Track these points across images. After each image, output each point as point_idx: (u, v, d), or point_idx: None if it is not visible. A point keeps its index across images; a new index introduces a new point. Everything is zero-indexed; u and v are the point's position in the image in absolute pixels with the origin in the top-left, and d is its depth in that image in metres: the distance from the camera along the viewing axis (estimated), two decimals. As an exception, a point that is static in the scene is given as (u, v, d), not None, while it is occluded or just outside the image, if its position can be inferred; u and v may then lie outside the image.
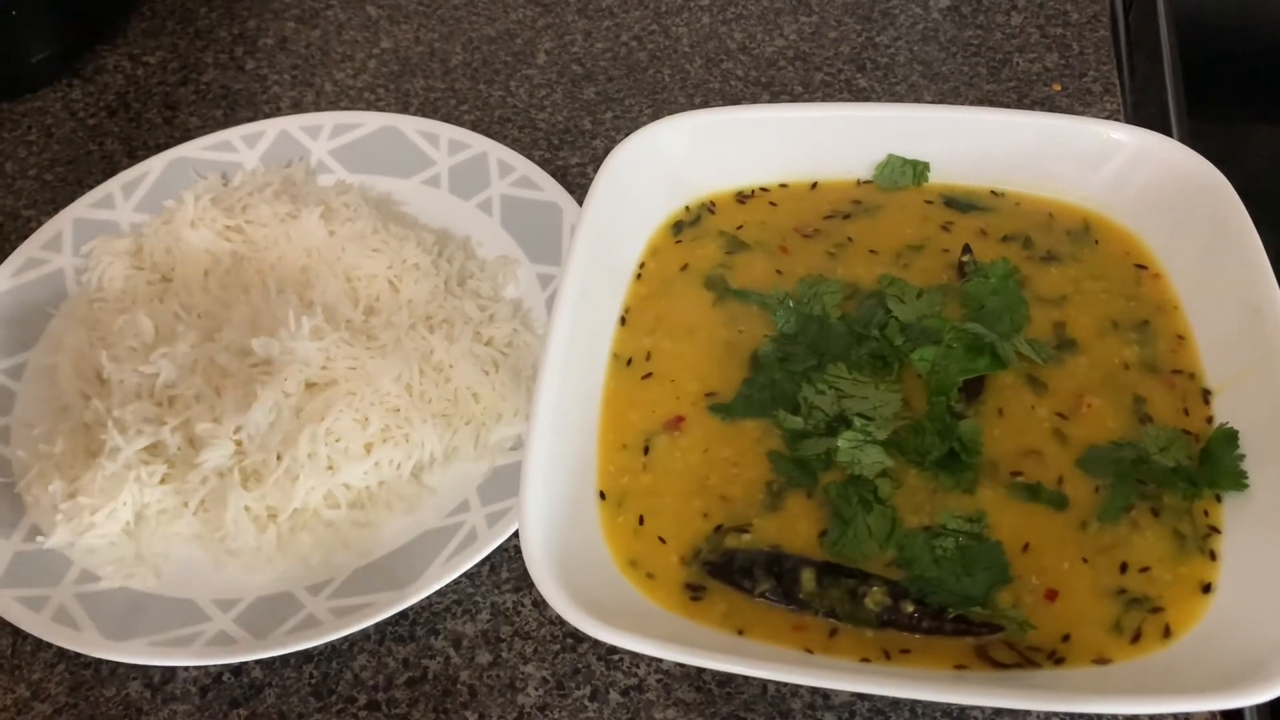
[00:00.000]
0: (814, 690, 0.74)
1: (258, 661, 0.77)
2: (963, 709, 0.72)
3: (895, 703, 0.73)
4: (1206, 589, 0.66)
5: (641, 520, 0.71)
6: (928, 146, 0.86)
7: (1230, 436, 0.70)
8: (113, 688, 0.77)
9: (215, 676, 0.77)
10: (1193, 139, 1.03)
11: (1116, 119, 1.06)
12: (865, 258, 0.82)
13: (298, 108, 1.16)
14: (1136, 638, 0.64)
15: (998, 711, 0.72)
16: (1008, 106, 1.08)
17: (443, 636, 0.78)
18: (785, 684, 0.74)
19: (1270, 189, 1.05)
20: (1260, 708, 0.75)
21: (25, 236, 1.00)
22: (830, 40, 1.17)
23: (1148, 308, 0.78)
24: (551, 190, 0.99)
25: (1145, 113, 1.12)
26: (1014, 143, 0.84)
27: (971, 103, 1.09)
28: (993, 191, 0.86)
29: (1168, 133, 0.97)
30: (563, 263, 0.77)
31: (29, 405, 0.90)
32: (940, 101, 1.09)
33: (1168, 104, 1.09)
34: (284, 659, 0.77)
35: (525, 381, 0.88)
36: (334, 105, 1.16)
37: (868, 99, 1.11)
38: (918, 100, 1.10)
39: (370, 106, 1.15)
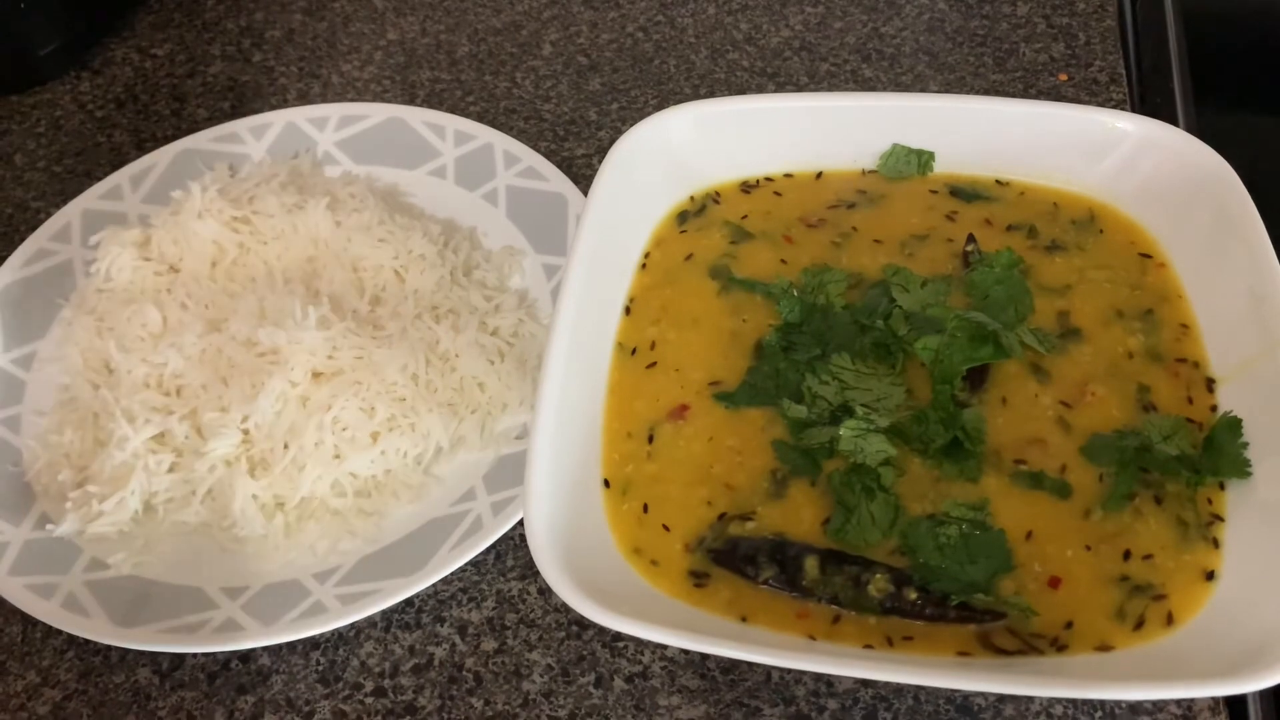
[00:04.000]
0: (817, 677, 0.74)
1: (265, 648, 0.78)
2: (966, 696, 0.73)
3: (899, 690, 0.73)
4: (1209, 576, 0.66)
5: (646, 508, 0.71)
6: (932, 136, 0.86)
7: (1234, 425, 0.70)
8: (122, 674, 0.78)
9: (223, 663, 0.78)
10: (1199, 129, 1.02)
11: (1123, 109, 1.06)
12: (870, 247, 0.83)
13: (304, 99, 1.17)
14: (1139, 625, 0.64)
15: (1001, 699, 0.72)
16: (1013, 96, 1.08)
17: (449, 624, 0.79)
18: (789, 671, 0.74)
19: (1278, 179, 1.05)
20: (1263, 694, 0.75)
21: (34, 228, 1.01)
22: (836, 30, 1.17)
23: (1152, 297, 0.78)
24: (557, 181, 0.99)
25: (1152, 103, 1.12)
26: (1019, 132, 0.84)
27: (978, 93, 1.09)
28: (998, 181, 0.86)
29: (1174, 123, 0.97)
30: (567, 252, 0.77)
31: (38, 395, 0.90)
32: (946, 92, 1.09)
33: (1174, 94, 1.08)
34: (291, 646, 0.78)
35: (531, 371, 0.88)
36: (340, 97, 1.17)
37: (873, 89, 1.11)
38: (924, 90, 1.10)
39: (376, 98, 1.16)
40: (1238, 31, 1.20)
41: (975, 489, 0.70)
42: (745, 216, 0.85)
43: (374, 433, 0.83)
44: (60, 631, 0.79)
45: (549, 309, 0.92)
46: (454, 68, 1.18)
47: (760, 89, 1.12)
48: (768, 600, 0.67)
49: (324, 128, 1.06)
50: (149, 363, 0.86)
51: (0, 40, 1.17)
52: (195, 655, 0.78)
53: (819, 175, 0.87)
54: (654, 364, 0.77)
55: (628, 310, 0.80)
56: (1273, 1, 1.23)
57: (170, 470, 0.82)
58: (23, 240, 0.99)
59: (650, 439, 0.74)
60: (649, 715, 0.73)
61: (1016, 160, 0.85)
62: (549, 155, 1.06)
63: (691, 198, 0.87)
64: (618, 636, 0.77)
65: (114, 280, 0.94)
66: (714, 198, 0.87)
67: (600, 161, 0.81)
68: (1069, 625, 0.65)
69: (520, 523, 0.79)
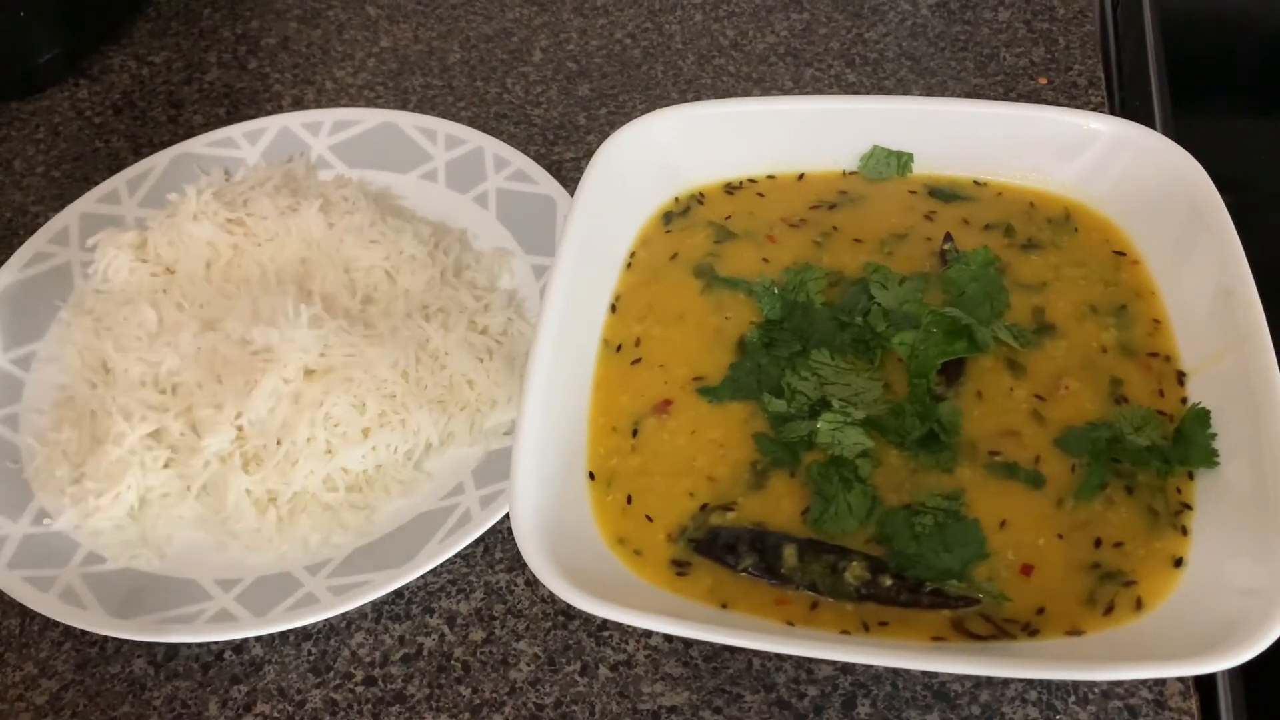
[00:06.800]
0: (798, 664, 0.75)
1: (258, 639, 0.79)
2: (943, 682, 0.74)
3: (877, 677, 0.75)
4: (1178, 563, 0.67)
5: (630, 499, 0.73)
6: (912, 138, 0.87)
7: (1203, 416, 0.71)
8: (118, 665, 0.79)
9: (217, 654, 0.79)
10: (1177, 131, 1.05)
11: (1102, 111, 1.08)
12: (850, 246, 0.84)
13: (299, 105, 1.19)
14: (1109, 610, 0.66)
15: (977, 685, 0.74)
16: (993, 99, 1.10)
17: (438, 614, 0.80)
18: (770, 659, 0.76)
19: (1256, 183, 1.07)
20: (1231, 674, 0.76)
21: (33, 231, 1.02)
22: (820, 36, 1.19)
23: (1126, 293, 0.80)
24: (546, 184, 1.01)
25: (1131, 106, 1.14)
26: (996, 133, 0.86)
27: (959, 96, 1.11)
28: (975, 181, 0.88)
29: (1152, 125, 0.99)
30: (555, 251, 0.79)
31: (37, 394, 0.92)
32: (928, 95, 1.11)
33: (1152, 97, 1.10)
34: (283, 636, 0.80)
35: (519, 369, 0.90)
36: (334, 102, 1.18)
37: (857, 93, 1.13)
38: (906, 95, 1.12)
39: (370, 104, 1.18)
40: (1215, 37, 1.22)
41: (950, 479, 0.72)
42: (729, 217, 0.87)
43: (365, 429, 0.84)
44: (58, 623, 0.81)
45: (537, 308, 0.94)
46: (446, 74, 1.20)
47: (746, 94, 1.14)
48: (747, 588, 0.69)
49: (318, 132, 1.08)
50: (145, 362, 0.88)
51: (0, 48, 1.19)
52: (190, 646, 0.79)
53: (801, 176, 0.89)
54: (639, 360, 0.79)
55: (614, 308, 0.82)
56: (1249, 8, 1.25)
57: (166, 466, 0.84)
58: (22, 243, 1.01)
59: (635, 433, 0.76)
60: (633, 702, 0.75)
61: (993, 161, 0.87)
62: (538, 159, 1.08)
63: (676, 199, 0.88)
64: (603, 626, 0.78)
65: (111, 281, 0.95)
66: (698, 198, 0.88)
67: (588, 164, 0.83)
68: (1041, 611, 0.66)
69: (508, 516, 0.80)
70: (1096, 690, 0.73)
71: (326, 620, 0.80)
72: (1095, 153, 0.83)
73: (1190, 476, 0.71)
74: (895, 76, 1.14)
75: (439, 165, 1.05)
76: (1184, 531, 0.69)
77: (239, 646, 0.80)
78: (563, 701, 0.75)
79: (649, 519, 0.72)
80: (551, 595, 0.68)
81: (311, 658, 0.79)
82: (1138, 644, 0.64)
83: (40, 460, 0.87)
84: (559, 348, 0.76)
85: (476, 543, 0.83)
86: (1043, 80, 1.12)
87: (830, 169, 0.89)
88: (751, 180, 0.89)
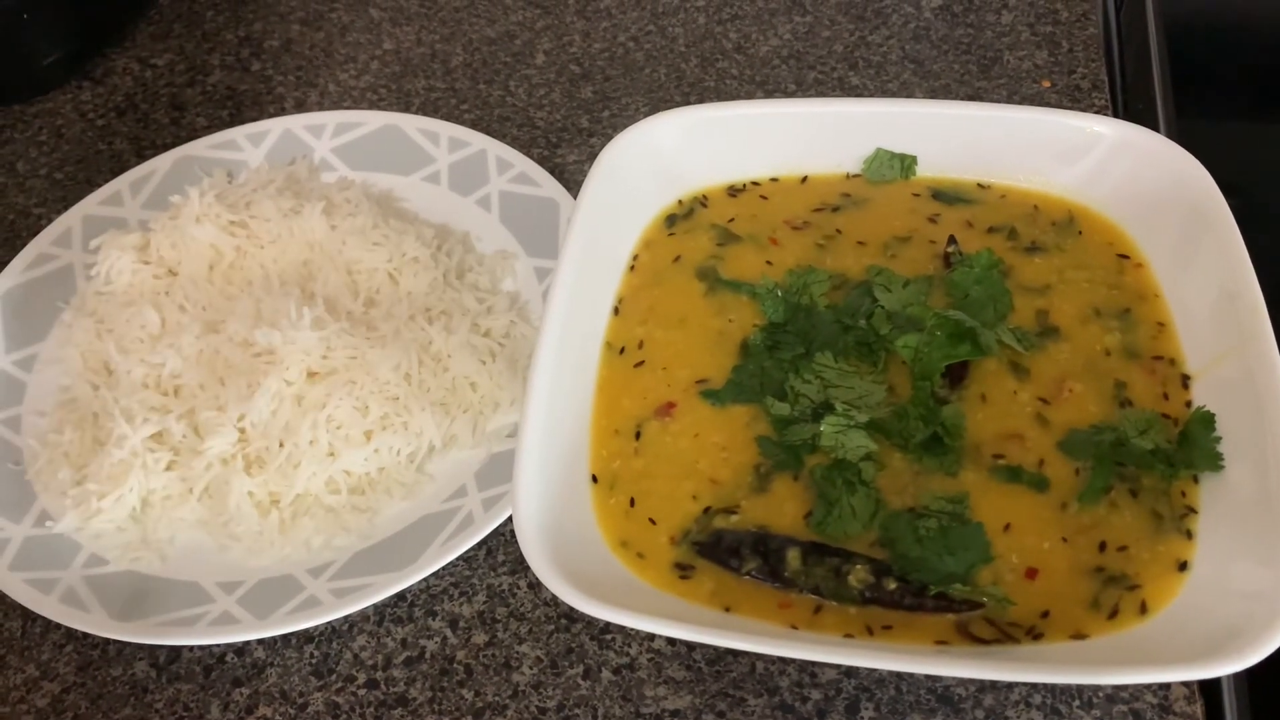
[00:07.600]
0: (801, 668, 0.75)
1: (260, 641, 0.79)
2: (947, 686, 0.74)
3: (881, 680, 0.74)
4: (1182, 566, 0.67)
5: (633, 502, 0.73)
6: (915, 140, 0.87)
7: (1207, 419, 0.71)
8: (120, 667, 0.79)
9: (219, 656, 0.79)
10: (1180, 135, 1.04)
11: (1105, 114, 1.08)
12: (853, 249, 0.84)
13: (301, 108, 1.19)
14: (1114, 614, 0.66)
15: (981, 689, 0.74)
16: (996, 102, 1.09)
17: (440, 617, 0.80)
18: (773, 662, 0.76)
19: (1259, 185, 1.07)
20: (1236, 678, 0.76)
21: (36, 233, 1.02)
22: (824, 39, 1.19)
23: (1129, 296, 0.80)
24: (549, 186, 1.01)
25: (1134, 109, 1.14)
26: (999, 136, 0.86)
27: (962, 99, 1.11)
28: (979, 184, 0.88)
29: (1155, 128, 0.99)
30: (558, 254, 0.79)
31: (39, 395, 0.92)
32: (931, 98, 1.11)
33: (1155, 100, 1.10)
34: (285, 639, 0.79)
35: (522, 371, 0.90)
36: (337, 105, 1.18)
37: (860, 96, 1.13)
38: (909, 97, 1.11)
39: (372, 106, 1.18)
40: (1218, 40, 1.22)
41: (954, 483, 0.71)
42: (732, 219, 0.87)
43: (367, 431, 0.84)
44: (59, 626, 0.81)
45: (540, 311, 0.94)
46: (449, 76, 1.20)
47: (749, 96, 1.14)
48: (751, 591, 0.68)
49: (320, 135, 1.08)
50: (147, 363, 0.87)
51: (3, 50, 1.19)
52: (191, 648, 0.79)
53: (804, 179, 0.89)
54: (642, 363, 0.79)
55: (616, 310, 0.82)
56: (1252, 10, 1.25)
57: (168, 468, 0.84)
58: (24, 245, 1.01)
59: (638, 435, 0.76)
60: (636, 706, 0.75)
61: (997, 163, 0.87)
62: (541, 161, 1.08)
63: (679, 201, 0.88)
64: (605, 629, 0.78)
65: (114, 283, 0.95)
66: (701, 201, 0.88)
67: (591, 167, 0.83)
68: (1045, 615, 0.66)
69: (511, 518, 0.80)
70: (1101, 694, 0.73)
71: (329, 623, 0.80)
72: (1099, 156, 0.83)
73: (1195, 480, 0.70)
74: (898, 79, 1.14)
75: (442, 168, 1.05)
76: (1189, 535, 0.68)
77: (241, 649, 0.79)
78: (565, 705, 0.75)
79: (652, 522, 0.72)
80: (554, 598, 0.68)
81: (314, 660, 0.79)
82: (1142, 648, 0.64)
83: (42, 462, 0.87)
84: (562, 350, 0.76)
85: (479, 545, 0.83)
86: (1046, 83, 1.12)
87: (833, 172, 0.89)
88: (755, 183, 0.89)
